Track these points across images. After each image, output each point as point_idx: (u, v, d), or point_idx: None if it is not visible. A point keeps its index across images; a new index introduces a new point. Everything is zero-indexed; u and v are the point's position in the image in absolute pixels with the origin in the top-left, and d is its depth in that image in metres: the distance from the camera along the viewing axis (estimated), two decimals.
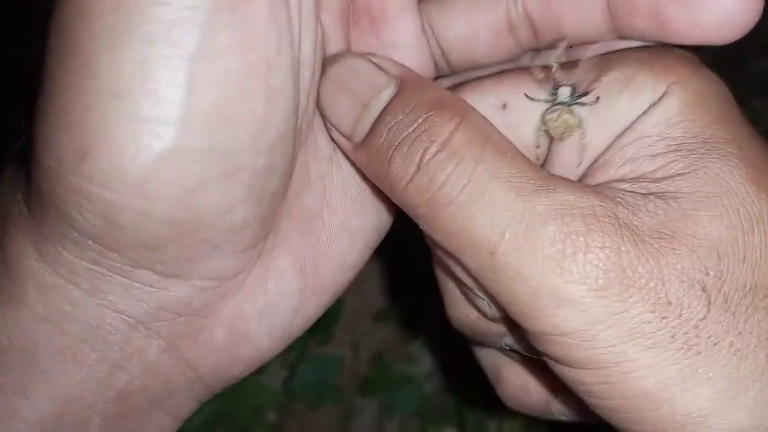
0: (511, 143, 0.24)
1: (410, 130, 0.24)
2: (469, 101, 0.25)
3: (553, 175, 0.24)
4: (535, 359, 0.28)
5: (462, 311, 0.28)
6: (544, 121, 0.25)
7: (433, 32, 0.28)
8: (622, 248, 0.22)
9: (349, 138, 0.25)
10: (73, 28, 0.21)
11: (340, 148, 0.26)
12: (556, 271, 0.22)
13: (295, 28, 0.23)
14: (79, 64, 0.21)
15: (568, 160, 0.26)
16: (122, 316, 0.24)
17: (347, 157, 0.27)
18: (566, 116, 0.25)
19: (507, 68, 0.28)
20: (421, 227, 0.24)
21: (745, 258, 0.22)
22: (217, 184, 0.22)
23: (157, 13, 0.20)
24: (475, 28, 0.28)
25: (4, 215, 0.24)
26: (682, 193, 0.23)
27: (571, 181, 0.24)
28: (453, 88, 0.27)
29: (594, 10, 0.26)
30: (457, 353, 0.35)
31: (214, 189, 0.22)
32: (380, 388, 0.57)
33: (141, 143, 0.21)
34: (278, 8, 0.22)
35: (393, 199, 0.25)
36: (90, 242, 0.23)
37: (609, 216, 0.22)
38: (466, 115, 0.24)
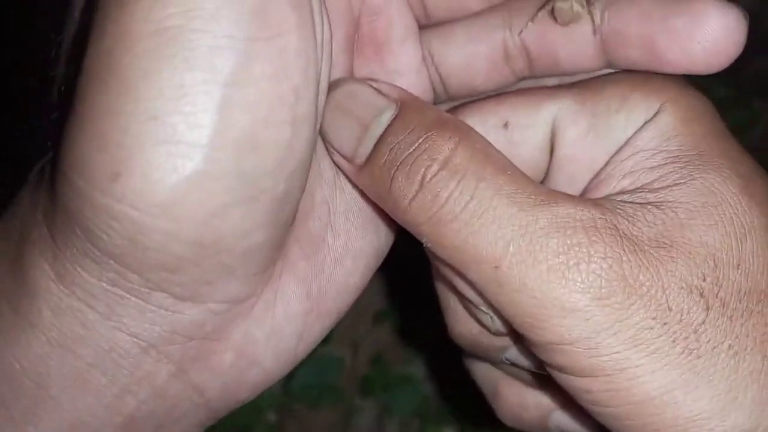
0: (509, 161, 0.24)
1: (412, 150, 0.24)
2: (472, 121, 0.26)
3: (553, 190, 0.24)
4: (536, 373, 0.28)
5: (464, 326, 0.28)
6: (552, 9, 0.26)
7: (432, 60, 0.29)
8: (624, 258, 0.23)
9: (351, 160, 0.26)
10: (113, 49, 0.21)
11: (342, 171, 0.27)
12: (561, 282, 0.22)
13: (319, 58, 0.23)
14: (117, 86, 0.21)
15: (568, 172, 0.27)
16: (135, 340, 0.24)
17: (350, 180, 0.27)
18: (575, 4, 0.26)
19: (507, 90, 0.29)
20: (424, 244, 0.25)
21: (739, 265, 0.23)
22: (239, 208, 0.22)
23: (197, 40, 0.21)
24: (473, 57, 0.29)
25: (23, 237, 0.25)
26: (679, 202, 0.24)
27: (570, 196, 0.24)
28: (455, 109, 0.28)
29: (587, 42, 0.27)
30: (450, 365, 0.35)
31: (236, 213, 0.22)
32: (380, 388, 0.57)
33: (173, 165, 0.21)
34: (308, 40, 0.22)
35: (396, 218, 0.25)
36: (112, 263, 0.23)
37: (610, 227, 0.23)
38: (465, 134, 0.24)
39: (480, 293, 0.24)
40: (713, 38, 0.25)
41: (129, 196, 0.21)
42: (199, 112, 0.21)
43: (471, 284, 0.24)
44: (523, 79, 0.29)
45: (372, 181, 0.25)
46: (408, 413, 0.57)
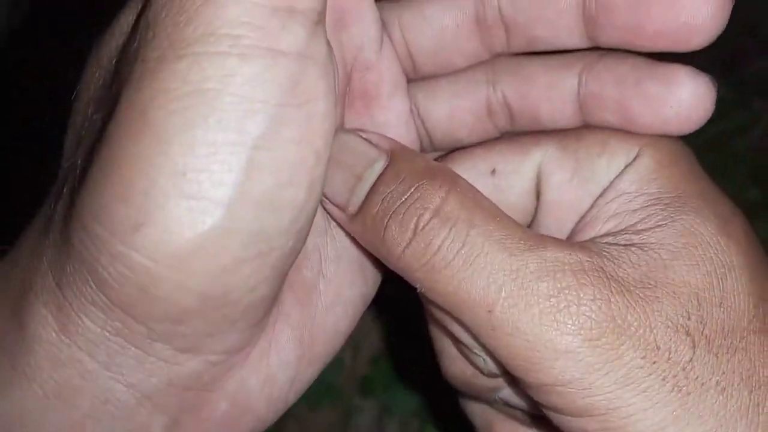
0: (498, 207, 0.25)
1: (404, 199, 0.25)
2: (461, 168, 0.28)
3: (541, 234, 0.25)
4: (530, 413, 0.29)
5: (458, 368, 0.29)
6: None
7: (418, 113, 0.30)
8: (612, 299, 0.23)
9: (344, 209, 0.27)
10: (149, 104, 0.22)
11: (334, 219, 0.28)
12: (552, 325, 0.23)
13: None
14: (150, 139, 0.21)
15: (555, 216, 0.28)
16: (131, 391, 0.24)
17: (342, 228, 0.28)
18: None
19: (497, 138, 0.30)
20: (418, 290, 0.25)
21: (721, 303, 0.24)
22: (249, 264, 0.23)
23: (231, 103, 0.21)
24: (457, 111, 0.30)
25: (24, 286, 0.25)
26: (661, 244, 0.25)
27: (558, 240, 0.25)
28: (443, 157, 0.30)
29: (566, 103, 0.28)
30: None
31: (246, 268, 0.23)
32: (380, 388, 0.57)
33: (193, 220, 0.22)
34: (332, 106, 0.23)
35: (390, 266, 0.26)
36: (119, 311, 0.23)
37: (597, 270, 0.24)
38: (455, 182, 0.25)
39: (474, 336, 0.25)
40: (685, 104, 0.26)
41: (148, 247, 0.22)
42: (225, 171, 0.22)
43: (465, 328, 0.25)
44: (505, 132, 0.30)
45: (365, 229, 0.26)
46: (408, 413, 0.57)
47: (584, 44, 0.28)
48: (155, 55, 0.22)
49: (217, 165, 0.22)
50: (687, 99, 0.26)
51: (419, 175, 0.25)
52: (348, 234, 0.28)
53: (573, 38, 0.28)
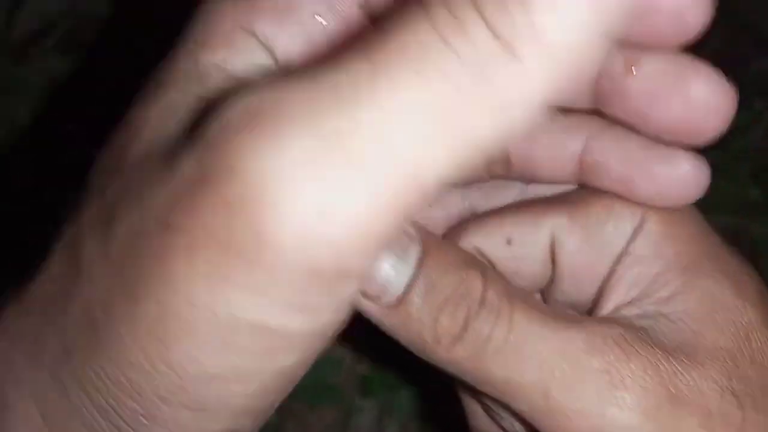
0: (525, 290, 0.26)
1: (452, 291, 0.25)
2: (478, 240, 0.28)
3: (573, 313, 0.26)
4: None
5: (486, 428, 0.29)
6: None
7: None
8: (661, 368, 0.24)
9: (375, 300, 0.26)
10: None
11: (362, 311, 0.27)
12: (611, 401, 0.23)
13: None
14: None
15: (572, 283, 0.28)
16: None
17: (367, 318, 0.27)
18: None
19: (507, 206, 0.30)
20: (463, 380, 0.25)
21: (752, 362, 0.25)
22: None
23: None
24: None
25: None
26: (687, 312, 0.25)
27: (591, 317, 0.26)
28: (459, 227, 0.30)
29: (567, 164, 0.28)
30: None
31: None
32: (380, 388, 0.57)
33: None
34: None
35: (431, 359, 0.26)
36: None
37: (638, 340, 0.24)
38: (486, 271, 0.26)
39: (527, 421, 0.25)
40: (684, 179, 0.27)
41: None
42: None
43: (518, 414, 0.25)
44: (497, 177, 0.30)
45: (409, 322, 0.25)
46: (408, 414, 0.57)
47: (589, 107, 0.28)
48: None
49: None
50: (689, 179, 0.27)
51: (459, 265, 0.25)
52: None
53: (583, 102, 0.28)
